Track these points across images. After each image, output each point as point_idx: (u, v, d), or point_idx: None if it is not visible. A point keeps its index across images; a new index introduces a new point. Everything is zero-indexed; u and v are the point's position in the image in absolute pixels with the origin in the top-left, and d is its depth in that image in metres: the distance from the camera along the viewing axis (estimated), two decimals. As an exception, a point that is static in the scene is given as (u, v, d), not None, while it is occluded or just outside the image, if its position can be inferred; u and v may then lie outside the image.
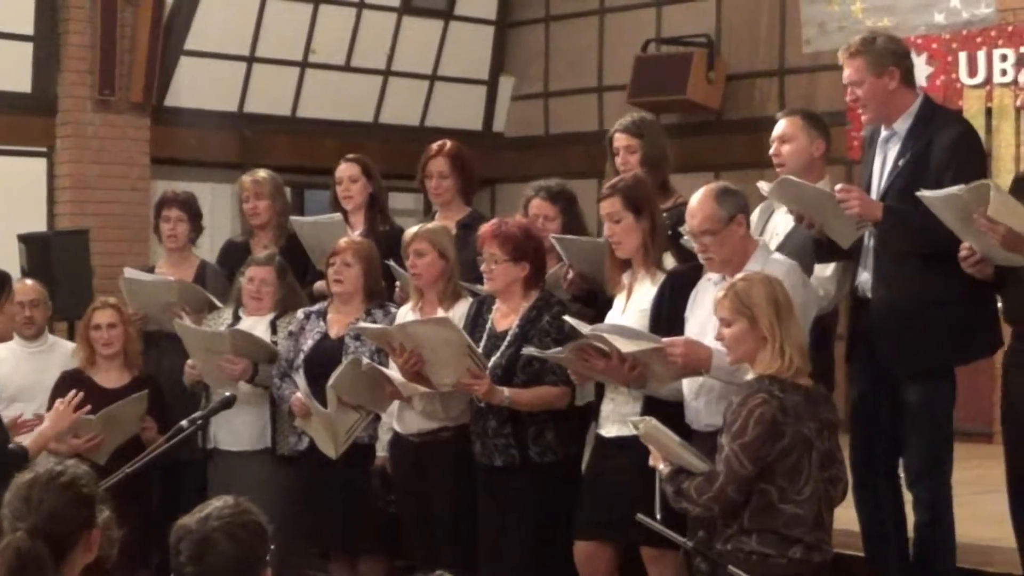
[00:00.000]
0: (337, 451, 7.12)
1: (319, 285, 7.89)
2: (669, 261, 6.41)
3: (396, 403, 6.96)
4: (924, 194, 5.67)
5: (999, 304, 6.08)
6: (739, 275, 5.59)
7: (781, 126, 6.62)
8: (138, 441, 7.45)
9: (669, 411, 5.94)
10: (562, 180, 7.37)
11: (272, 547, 3.73)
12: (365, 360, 6.92)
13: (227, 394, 6.25)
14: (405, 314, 7.07)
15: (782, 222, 6.52)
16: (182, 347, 7.70)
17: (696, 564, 5.47)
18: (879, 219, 5.98)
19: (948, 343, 6.09)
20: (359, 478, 7.20)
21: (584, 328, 6.06)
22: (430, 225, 7.25)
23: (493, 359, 6.56)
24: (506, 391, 6.47)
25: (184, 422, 5.75)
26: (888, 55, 6.18)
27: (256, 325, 7.67)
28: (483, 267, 6.65)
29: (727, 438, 5.33)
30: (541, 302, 6.60)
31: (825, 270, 6.41)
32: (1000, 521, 6.16)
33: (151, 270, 8.61)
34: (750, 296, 5.38)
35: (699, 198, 5.95)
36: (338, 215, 8.05)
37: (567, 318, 6.28)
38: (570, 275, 6.96)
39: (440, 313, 6.88)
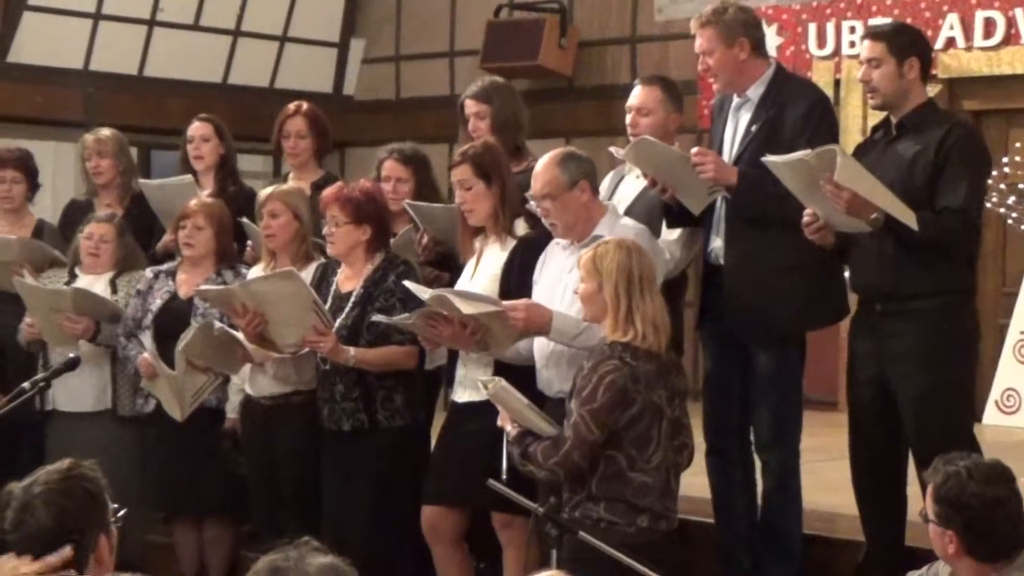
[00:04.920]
0: (183, 413, 7.04)
1: (164, 242, 7.76)
2: (521, 227, 6.40)
3: (248, 365, 6.88)
4: (770, 159, 5.69)
5: (846, 272, 6.16)
6: (609, 237, 5.59)
7: (639, 96, 6.59)
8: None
9: (520, 376, 5.93)
10: (415, 143, 7.34)
11: (123, 512, 3.65)
12: (217, 323, 6.83)
13: (71, 355, 6.14)
14: (256, 274, 6.97)
15: (631, 187, 6.53)
16: (12, 307, 7.55)
17: (546, 530, 5.46)
18: (733, 184, 6.02)
19: (798, 310, 6.15)
20: (206, 441, 7.12)
21: (424, 293, 6.04)
22: (284, 187, 7.21)
23: (338, 321, 6.50)
24: (352, 350, 6.42)
25: (26, 384, 5.62)
26: (739, 26, 6.20)
27: (94, 283, 7.54)
28: (325, 230, 6.60)
29: (576, 403, 5.34)
30: (386, 263, 6.56)
31: (672, 234, 6.43)
32: (844, 488, 6.23)
33: (-16, 229, 8.40)
34: (603, 261, 5.41)
35: (543, 163, 5.97)
36: (188, 176, 7.91)
37: (407, 283, 6.25)
38: (424, 240, 6.93)
39: (290, 273, 6.80)
